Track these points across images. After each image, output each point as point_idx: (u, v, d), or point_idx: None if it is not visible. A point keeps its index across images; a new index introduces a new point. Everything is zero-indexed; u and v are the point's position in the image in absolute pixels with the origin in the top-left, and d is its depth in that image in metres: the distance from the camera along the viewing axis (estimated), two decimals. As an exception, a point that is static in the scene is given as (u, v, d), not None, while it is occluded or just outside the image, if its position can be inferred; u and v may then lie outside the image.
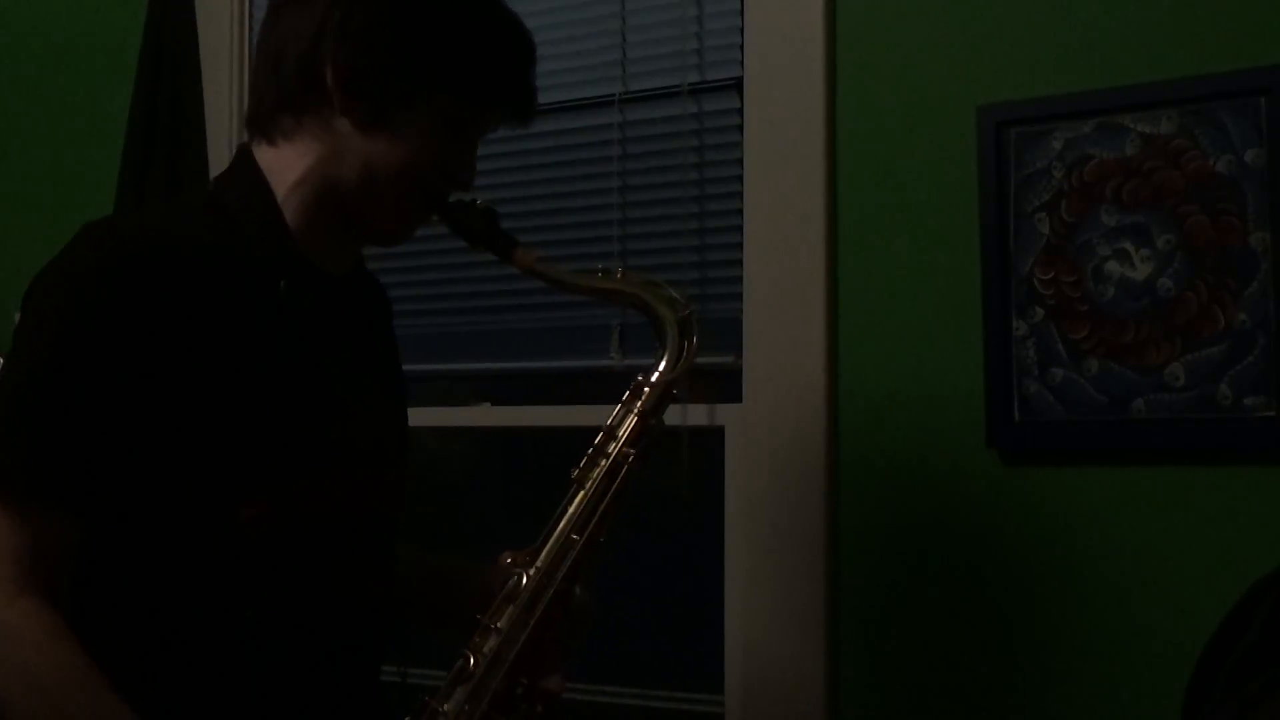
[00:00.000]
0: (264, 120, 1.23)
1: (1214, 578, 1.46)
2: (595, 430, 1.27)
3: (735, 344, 1.77)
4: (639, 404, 1.25)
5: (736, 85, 1.81)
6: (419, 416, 2.03)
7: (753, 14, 1.77)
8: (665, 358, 1.26)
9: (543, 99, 1.94)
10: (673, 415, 1.78)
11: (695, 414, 1.79)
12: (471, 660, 1.18)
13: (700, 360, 1.79)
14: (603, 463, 1.23)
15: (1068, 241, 1.56)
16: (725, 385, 1.82)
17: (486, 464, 2.22)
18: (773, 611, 1.69)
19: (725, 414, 1.78)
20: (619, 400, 1.27)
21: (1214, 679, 0.85)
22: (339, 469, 1.20)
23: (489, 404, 2.04)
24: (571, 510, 1.22)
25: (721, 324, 1.80)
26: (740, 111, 1.80)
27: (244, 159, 1.24)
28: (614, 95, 1.90)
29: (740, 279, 1.76)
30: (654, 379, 1.25)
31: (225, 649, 1.14)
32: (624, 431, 1.24)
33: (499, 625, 1.18)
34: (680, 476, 1.82)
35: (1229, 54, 1.50)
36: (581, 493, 1.22)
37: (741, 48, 1.80)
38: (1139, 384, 1.52)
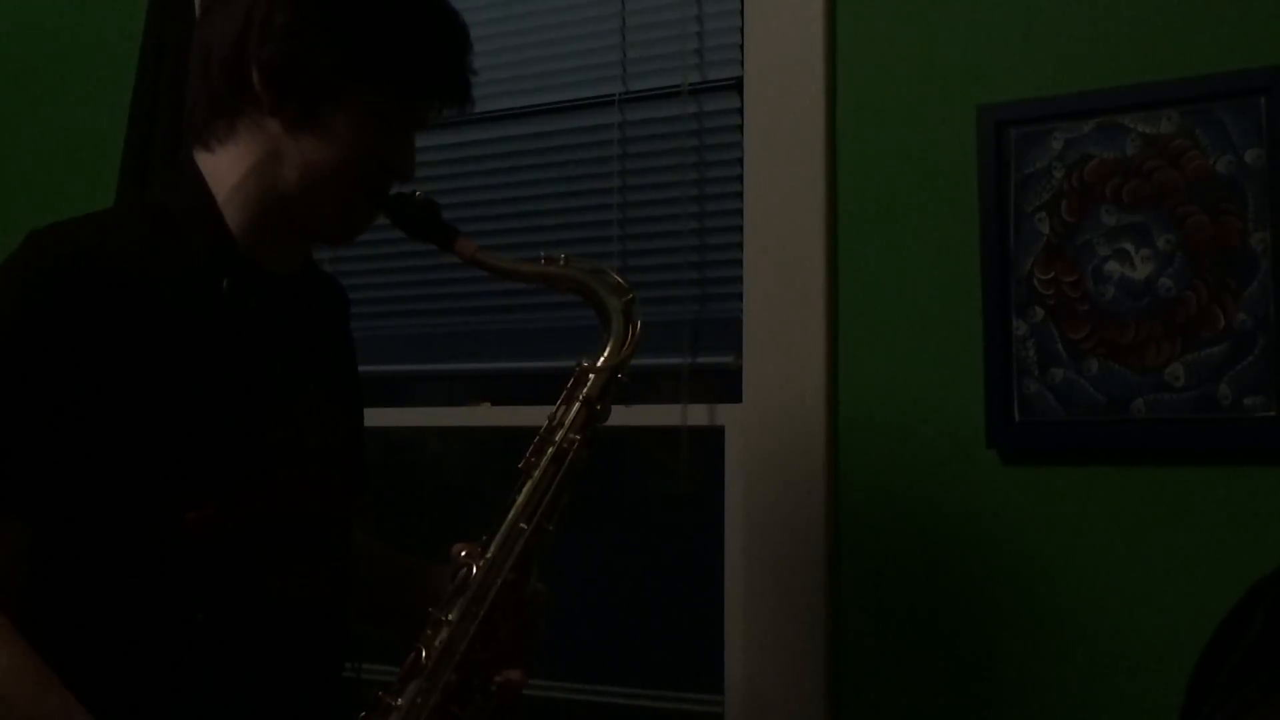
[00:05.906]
0: (199, 126, 1.22)
1: (1214, 578, 1.46)
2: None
3: (735, 344, 1.77)
4: (583, 390, 1.24)
5: (736, 85, 1.81)
6: (419, 417, 2.05)
7: (753, 14, 1.77)
8: (610, 343, 1.26)
9: (543, 99, 1.97)
10: (673, 415, 1.80)
11: (695, 414, 1.79)
12: (423, 653, 1.18)
13: (700, 360, 1.82)
14: (549, 450, 1.23)
15: (1068, 241, 1.56)
16: (725, 385, 1.82)
17: (486, 464, 2.22)
18: (773, 611, 1.69)
19: (725, 414, 1.78)
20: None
21: (1214, 679, 0.85)
22: (283, 471, 1.19)
23: (489, 404, 2.04)
24: (519, 500, 1.22)
25: (721, 324, 1.80)
26: (740, 111, 1.80)
27: (186, 165, 1.24)
28: (614, 95, 1.90)
29: (740, 279, 1.76)
30: (599, 364, 1.25)
31: (177, 651, 1.14)
32: (569, 419, 1.24)
33: (450, 618, 1.18)
34: (680, 476, 1.82)
35: (1229, 54, 1.50)
36: (529, 482, 1.22)
37: (741, 48, 1.80)
38: (1139, 384, 1.52)
